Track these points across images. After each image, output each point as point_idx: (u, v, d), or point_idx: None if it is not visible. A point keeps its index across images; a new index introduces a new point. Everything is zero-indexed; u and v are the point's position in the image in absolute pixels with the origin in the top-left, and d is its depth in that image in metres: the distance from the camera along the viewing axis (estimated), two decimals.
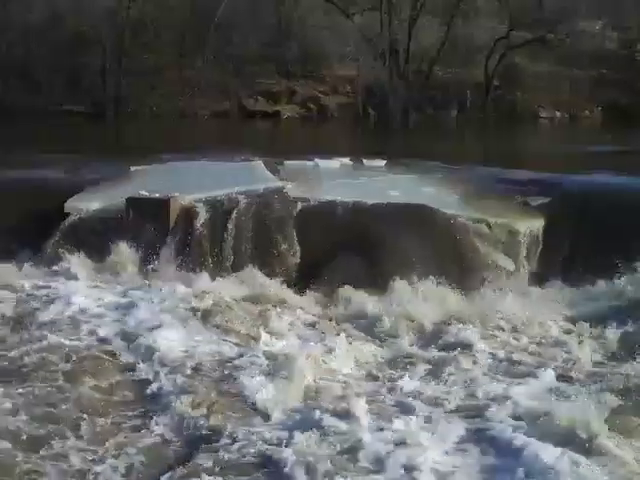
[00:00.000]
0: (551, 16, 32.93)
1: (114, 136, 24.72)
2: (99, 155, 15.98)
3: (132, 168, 13.63)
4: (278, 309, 10.03)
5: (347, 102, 31.90)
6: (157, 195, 11.80)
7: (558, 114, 32.63)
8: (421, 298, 10.29)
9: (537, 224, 11.43)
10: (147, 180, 12.80)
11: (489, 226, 11.33)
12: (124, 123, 27.65)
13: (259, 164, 13.78)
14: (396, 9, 32.20)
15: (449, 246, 11.13)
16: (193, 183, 12.53)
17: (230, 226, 11.32)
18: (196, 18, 31.78)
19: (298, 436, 6.68)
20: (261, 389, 7.54)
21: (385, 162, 14.57)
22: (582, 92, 32.35)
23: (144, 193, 11.86)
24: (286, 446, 6.55)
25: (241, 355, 8.59)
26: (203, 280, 10.86)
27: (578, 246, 11.13)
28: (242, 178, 12.72)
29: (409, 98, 31.05)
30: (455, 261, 10.98)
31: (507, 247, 11.29)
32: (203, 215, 11.47)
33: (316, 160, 14.20)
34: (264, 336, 9.06)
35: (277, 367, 8.03)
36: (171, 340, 8.91)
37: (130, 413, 7.32)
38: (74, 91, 29.21)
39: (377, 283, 10.62)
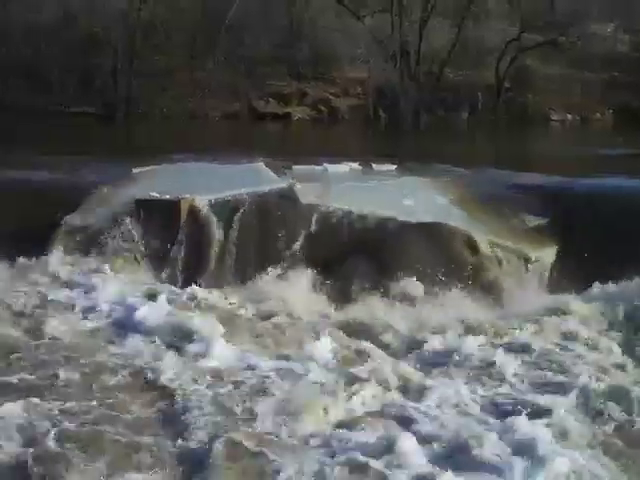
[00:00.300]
0: (563, 19, 32.81)
1: (123, 137, 24.70)
2: (104, 156, 15.84)
3: (134, 170, 13.52)
4: (296, 318, 10.05)
5: (358, 104, 31.82)
6: (167, 196, 11.81)
7: (569, 117, 32.50)
8: (438, 310, 10.31)
9: (547, 254, 11.39)
10: (149, 182, 12.73)
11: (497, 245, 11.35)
12: (134, 124, 27.61)
13: (267, 167, 13.69)
14: (407, 11, 32.11)
15: (461, 264, 11.15)
16: (199, 185, 12.47)
17: (237, 229, 11.32)
18: (207, 20, 31.76)
19: (333, 461, 6.64)
20: (297, 411, 7.51)
21: (395, 167, 14.45)
22: (593, 95, 32.21)
23: (155, 194, 11.87)
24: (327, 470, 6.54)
25: (278, 369, 8.51)
26: (216, 285, 10.86)
27: (590, 252, 11.09)
28: (249, 180, 12.66)
29: (420, 100, 30.97)
30: (467, 276, 11.01)
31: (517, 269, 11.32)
32: (211, 217, 11.49)
33: (325, 165, 14.07)
34: (293, 352, 9.07)
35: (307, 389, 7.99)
36: (205, 353, 8.88)
37: (173, 430, 7.17)
38: (85, 92, 29.19)
39: (387, 292, 10.65)
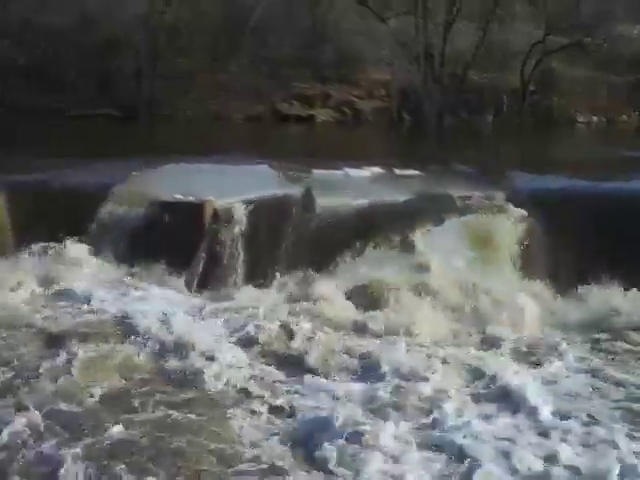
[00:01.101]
0: (588, 21, 32.57)
1: (144, 138, 24.57)
2: (122, 156, 15.72)
3: (133, 173, 13.24)
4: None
5: (382, 106, 31.70)
6: (191, 199, 11.74)
7: (595, 119, 32.32)
8: None
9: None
10: (154, 183, 12.59)
11: None
12: (156, 126, 27.54)
13: (275, 169, 13.52)
14: (431, 13, 31.96)
15: None
16: (202, 187, 12.32)
17: (252, 233, 11.26)
18: (229, 22, 31.71)
19: None
20: None
21: (417, 172, 14.22)
22: (619, 97, 32.05)
23: (178, 197, 11.81)
24: None
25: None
26: (241, 290, 10.79)
27: (615, 256, 11.04)
28: (267, 183, 12.55)
29: (444, 102, 30.83)
30: None
31: None
32: (237, 219, 11.41)
33: (345, 170, 13.85)
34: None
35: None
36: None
37: None
38: (104, 94, 29.13)
39: None
